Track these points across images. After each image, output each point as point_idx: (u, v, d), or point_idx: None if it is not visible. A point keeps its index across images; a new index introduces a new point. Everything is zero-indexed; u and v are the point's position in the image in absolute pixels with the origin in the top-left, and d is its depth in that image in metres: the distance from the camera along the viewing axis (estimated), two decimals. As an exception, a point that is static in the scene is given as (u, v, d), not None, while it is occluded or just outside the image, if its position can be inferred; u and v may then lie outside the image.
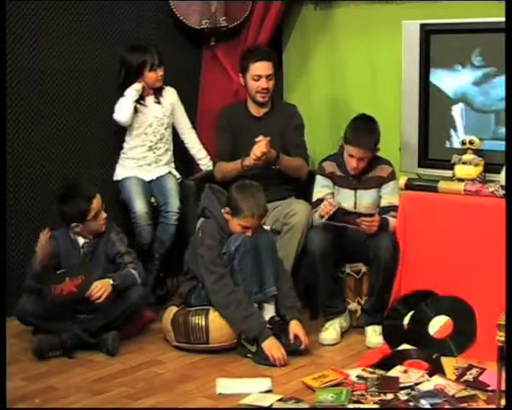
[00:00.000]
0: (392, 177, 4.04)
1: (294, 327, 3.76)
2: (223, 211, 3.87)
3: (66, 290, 3.70)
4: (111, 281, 3.77)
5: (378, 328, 3.87)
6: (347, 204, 3.95)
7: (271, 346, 3.61)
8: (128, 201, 4.37)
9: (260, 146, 4.10)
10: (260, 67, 4.29)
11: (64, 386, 3.43)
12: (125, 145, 4.50)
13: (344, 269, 4.05)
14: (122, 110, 4.36)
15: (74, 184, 4.00)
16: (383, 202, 4.02)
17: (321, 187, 4.09)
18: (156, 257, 4.39)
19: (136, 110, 4.38)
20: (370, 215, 3.87)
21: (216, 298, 3.73)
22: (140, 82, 4.38)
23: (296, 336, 3.73)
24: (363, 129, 3.98)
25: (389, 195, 4.02)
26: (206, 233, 3.86)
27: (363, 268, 4.03)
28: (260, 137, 4.12)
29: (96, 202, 3.86)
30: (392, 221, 3.93)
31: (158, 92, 4.48)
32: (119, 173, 4.50)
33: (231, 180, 4.12)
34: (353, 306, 4.04)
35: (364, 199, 4.02)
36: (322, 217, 3.84)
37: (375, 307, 3.93)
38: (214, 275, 3.73)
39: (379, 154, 4.07)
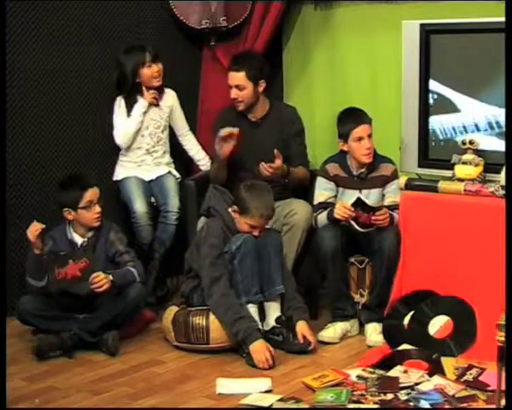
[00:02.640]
0: (395, 175, 4.05)
1: (302, 328, 3.76)
2: (230, 209, 3.88)
3: (70, 274, 3.73)
4: (110, 277, 3.77)
5: (378, 326, 3.87)
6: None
7: (256, 348, 3.59)
8: (128, 200, 4.37)
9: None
10: (229, 77, 4.28)
11: (64, 386, 3.43)
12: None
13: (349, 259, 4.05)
14: (126, 136, 4.38)
15: (75, 174, 4.15)
16: (387, 201, 4.02)
17: (323, 189, 4.08)
18: (156, 257, 4.39)
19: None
20: (381, 208, 3.89)
21: (210, 301, 3.74)
22: (142, 95, 4.38)
23: (304, 337, 3.73)
24: (353, 110, 4.06)
25: (393, 193, 4.03)
26: (209, 231, 3.86)
27: (367, 258, 4.03)
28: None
29: (92, 193, 3.89)
30: (396, 217, 3.94)
31: (158, 95, 4.46)
32: (119, 173, 4.49)
33: (222, 179, 4.17)
34: (356, 298, 4.03)
35: (369, 199, 4.01)
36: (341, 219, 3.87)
37: (376, 302, 3.93)
38: (210, 278, 3.74)
39: (379, 152, 4.09)
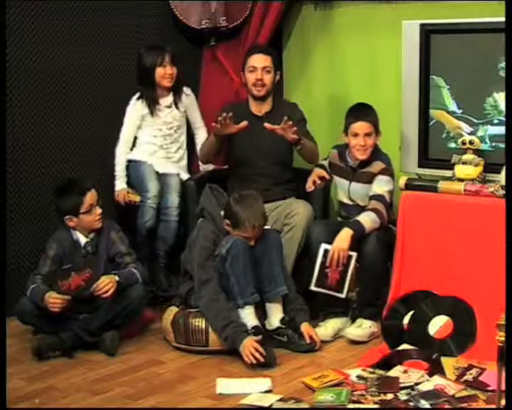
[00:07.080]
0: (382, 172, 4.03)
1: (308, 329, 3.78)
2: (222, 213, 3.87)
3: (74, 285, 3.71)
4: (116, 278, 3.78)
5: (365, 322, 3.89)
6: (342, 194, 4.18)
7: (244, 347, 3.57)
8: (141, 181, 4.38)
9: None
10: (256, 59, 4.31)
11: (64, 386, 3.43)
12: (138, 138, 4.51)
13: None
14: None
15: (70, 179, 4.11)
16: (370, 194, 4.03)
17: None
18: (161, 255, 4.39)
19: (152, 113, 4.42)
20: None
21: (199, 303, 3.75)
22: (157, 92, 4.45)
23: (311, 337, 3.74)
24: (360, 107, 4.11)
25: (375, 186, 4.02)
26: (200, 233, 3.87)
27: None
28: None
29: (90, 196, 3.88)
30: (365, 217, 3.90)
31: (177, 95, 4.49)
32: (135, 153, 4.49)
33: (213, 157, 4.30)
34: (351, 295, 4.03)
35: (356, 191, 4.09)
36: None
37: (362, 301, 3.96)
38: (200, 280, 3.74)
39: (380, 147, 4.12)
